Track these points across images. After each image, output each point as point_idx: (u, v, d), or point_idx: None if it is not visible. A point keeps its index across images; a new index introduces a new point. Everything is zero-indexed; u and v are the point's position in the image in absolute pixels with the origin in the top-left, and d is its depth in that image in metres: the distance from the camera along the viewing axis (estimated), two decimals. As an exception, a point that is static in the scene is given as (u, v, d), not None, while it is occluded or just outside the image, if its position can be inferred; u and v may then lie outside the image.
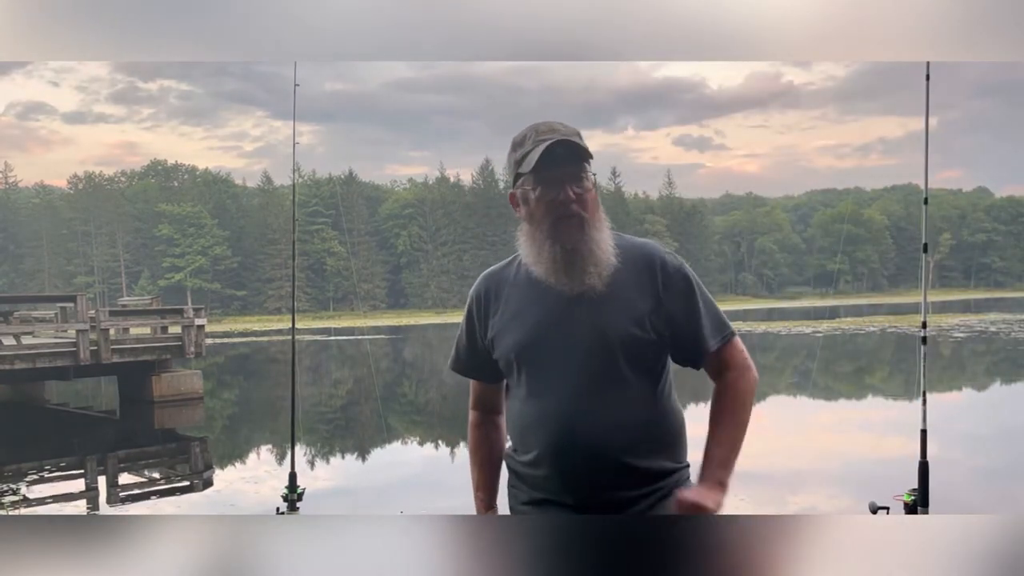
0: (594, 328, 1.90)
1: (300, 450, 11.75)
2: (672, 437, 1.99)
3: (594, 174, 1.95)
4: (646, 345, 1.92)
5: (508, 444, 2.13)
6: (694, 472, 2.01)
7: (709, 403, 2.02)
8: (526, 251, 1.97)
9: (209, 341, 21.33)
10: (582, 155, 1.90)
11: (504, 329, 2.01)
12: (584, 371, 1.90)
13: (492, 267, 2.14)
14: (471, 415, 2.25)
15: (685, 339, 1.97)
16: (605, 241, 1.93)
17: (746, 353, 2.03)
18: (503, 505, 2.17)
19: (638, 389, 1.93)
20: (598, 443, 1.89)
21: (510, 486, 2.10)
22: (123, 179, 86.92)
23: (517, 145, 1.95)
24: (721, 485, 1.90)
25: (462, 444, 13.93)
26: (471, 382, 2.22)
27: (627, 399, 1.91)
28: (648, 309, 1.92)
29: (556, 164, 1.89)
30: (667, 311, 1.94)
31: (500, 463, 2.19)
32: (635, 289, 1.93)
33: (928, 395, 4.19)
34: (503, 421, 2.20)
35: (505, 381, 2.11)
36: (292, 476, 5.48)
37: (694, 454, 2.04)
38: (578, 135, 1.94)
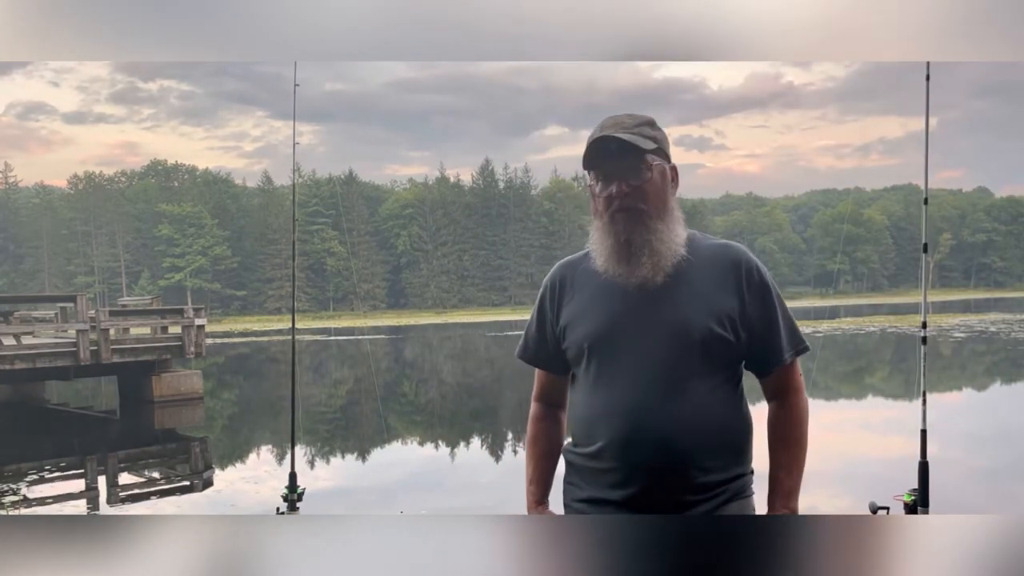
0: (672, 321, 1.88)
1: (300, 450, 11.75)
2: (741, 441, 1.95)
3: (662, 163, 1.94)
4: (724, 344, 1.89)
5: (567, 440, 2.08)
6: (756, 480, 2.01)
7: (768, 423, 2.02)
8: (592, 243, 1.98)
9: (209, 341, 21.33)
10: (634, 150, 1.88)
11: (577, 318, 1.99)
12: (658, 364, 1.87)
13: (569, 256, 2.12)
14: (533, 407, 2.21)
15: (760, 347, 1.96)
16: (668, 232, 1.91)
17: (802, 375, 2.05)
18: (555, 502, 2.14)
19: (712, 387, 1.90)
20: (668, 438, 1.85)
21: (566, 482, 2.06)
22: (123, 179, 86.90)
23: (588, 141, 1.96)
24: (792, 512, 1.96)
25: (462, 444, 13.94)
26: (536, 373, 2.19)
27: (700, 396, 1.88)
28: (731, 308, 1.90)
29: (606, 160, 1.90)
30: (748, 314, 1.92)
31: (557, 459, 2.15)
32: (718, 286, 1.91)
33: (928, 395, 4.18)
34: (564, 417, 2.16)
35: (571, 374, 2.08)
36: (292, 476, 5.48)
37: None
38: (648, 124, 1.94)
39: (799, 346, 2.00)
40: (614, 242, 1.91)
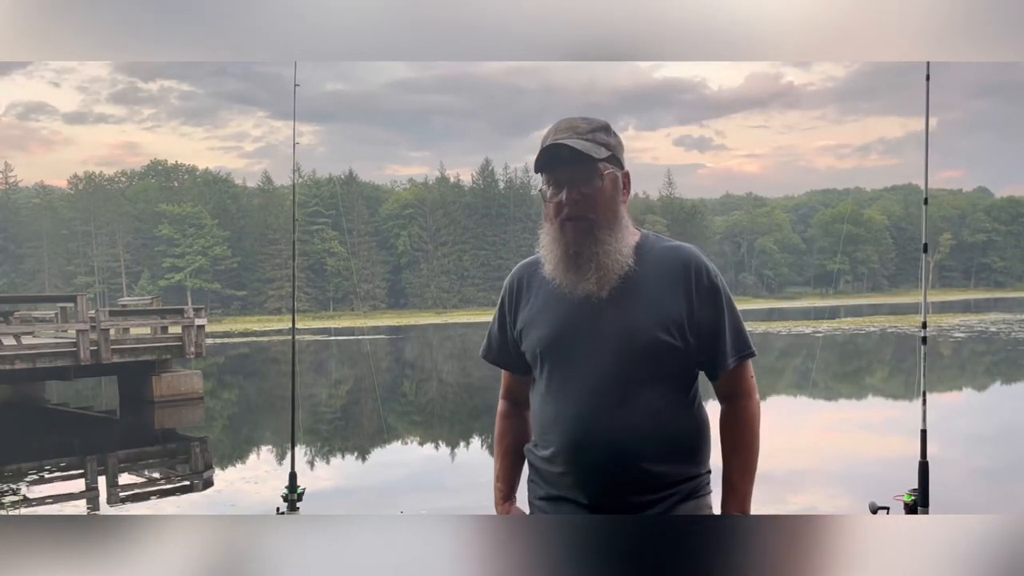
0: (620, 328, 1.88)
1: (300, 450, 11.75)
2: (693, 443, 1.96)
3: (614, 171, 1.92)
4: (672, 349, 1.89)
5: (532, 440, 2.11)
6: (715, 479, 2.02)
7: (719, 426, 2.02)
8: (542, 247, 1.98)
9: (209, 341, 21.32)
10: (586, 158, 1.87)
11: (532, 322, 2.00)
12: (607, 370, 1.88)
13: (528, 258, 2.11)
14: (500, 405, 2.23)
15: (707, 350, 1.95)
16: (616, 243, 1.90)
17: (754, 377, 2.04)
18: (522, 498, 2.16)
19: (661, 392, 1.90)
20: (616, 443, 1.86)
21: (529, 480, 2.09)
22: (123, 179, 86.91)
23: (542, 143, 1.95)
24: (745, 515, 1.98)
25: (462, 444, 13.94)
26: (502, 372, 2.20)
27: (649, 401, 1.88)
28: (679, 313, 1.89)
29: (559, 166, 1.89)
30: (697, 317, 1.91)
31: (524, 456, 2.17)
32: (667, 292, 1.90)
33: (928, 395, 4.18)
34: (530, 415, 2.17)
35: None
36: (292, 476, 5.48)
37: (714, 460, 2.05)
38: (603, 130, 1.93)
39: (743, 351, 1.98)
40: (562, 252, 1.91)
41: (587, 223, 1.89)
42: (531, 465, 2.08)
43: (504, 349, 2.13)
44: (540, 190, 1.98)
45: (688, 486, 1.94)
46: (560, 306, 1.94)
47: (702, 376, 2.01)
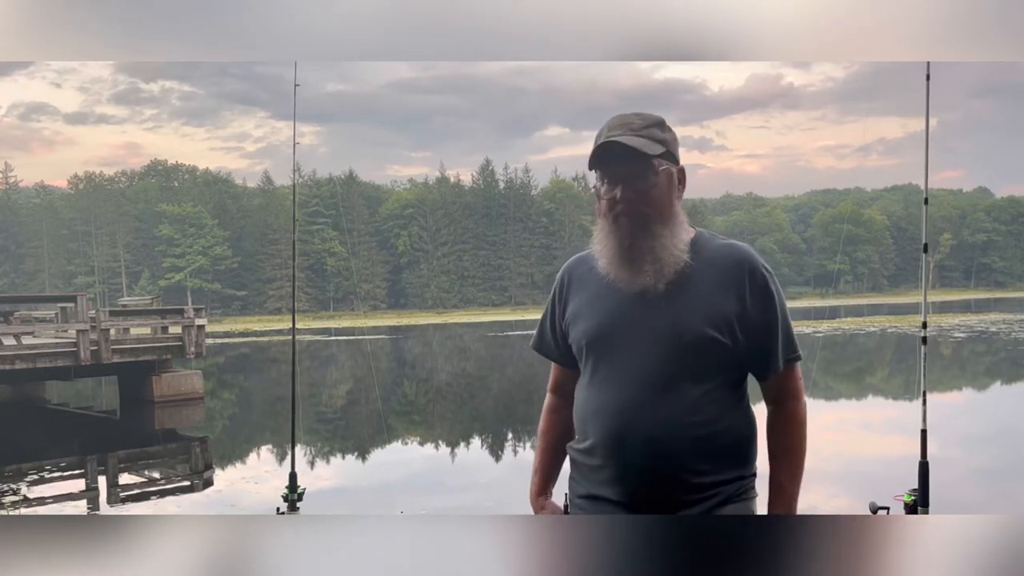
0: (667, 323, 1.86)
1: (300, 450, 11.75)
2: (737, 444, 1.92)
3: (669, 167, 1.92)
4: (719, 346, 1.86)
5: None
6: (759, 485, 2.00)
7: (767, 429, 2.00)
8: (596, 243, 1.98)
9: (209, 341, 21.31)
10: (639, 155, 1.86)
11: (579, 315, 1.99)
12: (651, 363, 1.86)
13: (581, 252, 2.11)
14: (547, 398, 2.22)
15: (757, 351, 1.92)
16: (671, 238, 1.89)
17: (801, 380, 2.02)
18: (561, 496, 2.15)
19: (706, 390, 1.87)
20: (655, 436, 1.84)
21: (570, 478, 2.07)
22: (123, 179, 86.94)
23: (596, 140, 1.94)
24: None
25: (462, 444, 13.93)
26: (552, 365, 2.20)
27: (693, 398, 1.86)
28: (730, 311, 1.87)
29: (613, 162, 1.89)
30: (749, 317, 1.89)
31: (565, 451, 2.15)
32: (719, 289, 1.89)
33: (928, 395, 4.19)
34: None
35: None
36: (292, 476, 5.48)
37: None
38: (657, 126, 1.92)
39: (791, 354, 1.97)
40: (617, 246, 1.90)
41: (642, 217, 1.88)
42: (572, 462, 2.06)
43: (552, 341, 2.14)
44: (594, 187, 1.97)
45: (731, 488, 1.90)
46: (609, 300, 1.94)
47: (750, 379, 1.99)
